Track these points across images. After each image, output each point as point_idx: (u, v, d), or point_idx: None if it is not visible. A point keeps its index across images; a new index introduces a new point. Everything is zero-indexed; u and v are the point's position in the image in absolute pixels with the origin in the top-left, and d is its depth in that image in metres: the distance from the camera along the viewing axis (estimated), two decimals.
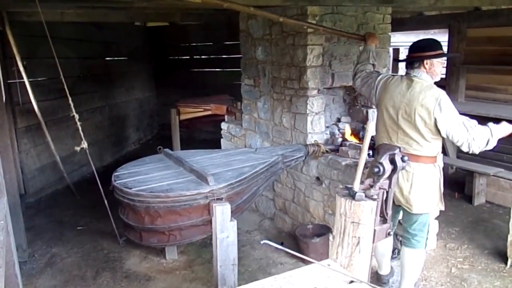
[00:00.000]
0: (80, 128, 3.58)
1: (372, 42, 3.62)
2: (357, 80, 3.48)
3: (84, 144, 3.63)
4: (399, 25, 5.75)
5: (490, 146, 2.89)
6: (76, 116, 3.59)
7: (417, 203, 3.02)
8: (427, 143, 2.94)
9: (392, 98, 3.06)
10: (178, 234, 3.32)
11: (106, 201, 4.04)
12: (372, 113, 4.16)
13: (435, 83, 3.05)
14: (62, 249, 4.37)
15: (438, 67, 3.03)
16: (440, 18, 6.51)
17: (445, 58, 3.09)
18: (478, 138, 2.85)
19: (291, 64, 4.19)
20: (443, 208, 3.24)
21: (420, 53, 3.02)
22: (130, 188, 3.25)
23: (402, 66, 6.28)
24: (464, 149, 2.91)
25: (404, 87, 3.02)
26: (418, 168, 2.96)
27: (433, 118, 2.86)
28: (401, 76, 3.17)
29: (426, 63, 2.98)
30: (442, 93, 2.90)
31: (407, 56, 3.20)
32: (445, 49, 6.30)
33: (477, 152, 2.92)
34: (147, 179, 3.43)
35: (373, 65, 3.52)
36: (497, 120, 5.44)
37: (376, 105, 3.28)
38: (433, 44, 3.05)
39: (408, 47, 3.19)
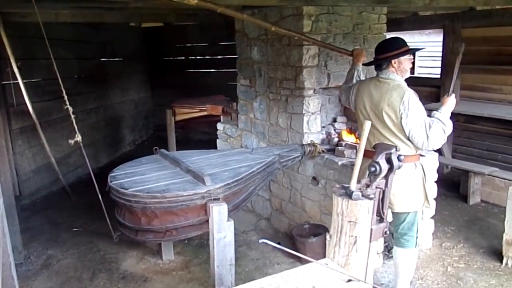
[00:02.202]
0: (74, 121, 3.54)
1: (358, 61, 3.61)
2: (342, 96, 3.59)
3: (78, 137, 3.58)
4: (394, 25, 5.77)
5: (448, 133, 2.98)
6: (70, 109, 3.55)
7: (399, 202, 3.06)
8: (402, 142, 2.98)
9: (363, 101, 3.14)
10: (174, 231, 3.32)
11: (102, 202, 4.02)
12: None
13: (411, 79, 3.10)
14: (58, 251, 4.35)
15: (406, 64, 3.07)
16: (434, 18, 6.55)
17: (413, 54, 3.14)
18: (434, 137, 2.92)
19: (287, 64, 4.19)
20: (430, 207, 3.29)
21: (386, 53, 3.06)
22: (127, 189, 3.24)
23: None
24: (422, 148, 3.01)
25: (372, 89, 3.09)
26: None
27: (399, 117, 2.92)
28: (371, 78, 3.25)
29: (394, 63, 3.04)
30: (408, 92, 2.95)
31: (374, 58, 3.22)
32: (439, 48, 6.41)
33: (435, 148, 3.08)
34: (143, 179, 3.42)
35: None
36: (490, 120, 5.50)
37: (354, 109, 3.35)
38: (397, 43, 3.09)
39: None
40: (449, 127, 2.96)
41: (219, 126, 5.65)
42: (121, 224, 3.49)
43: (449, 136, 3.12)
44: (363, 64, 3.58)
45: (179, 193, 3.14)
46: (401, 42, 3.09)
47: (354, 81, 3.53)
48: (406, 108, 2.90)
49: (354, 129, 4.36)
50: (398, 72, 3.06)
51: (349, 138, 4.18)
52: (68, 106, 3.52)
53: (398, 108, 2.91)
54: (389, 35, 4.13)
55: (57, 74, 3.46)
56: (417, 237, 3.20)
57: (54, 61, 3.55)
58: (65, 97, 3.48)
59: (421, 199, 3.11)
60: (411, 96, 2.93)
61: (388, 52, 3.05)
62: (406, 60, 3.06)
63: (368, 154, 2.65)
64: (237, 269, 3.47)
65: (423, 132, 2.90)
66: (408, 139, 2.98)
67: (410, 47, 3.10)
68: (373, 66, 3.28)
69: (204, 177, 3.22)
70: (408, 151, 3.00)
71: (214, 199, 3.16)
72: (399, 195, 3.03)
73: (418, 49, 3.16)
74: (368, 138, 3.03)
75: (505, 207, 3.82)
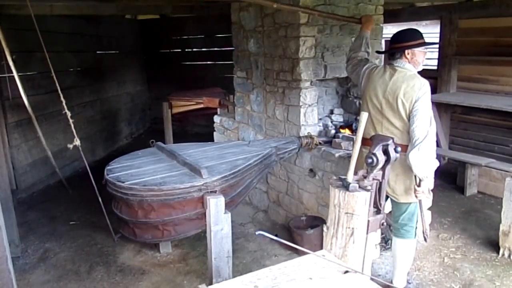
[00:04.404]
0: (72, 126, 3.53)
1: (367, 28, 3.57)
2: (348, 66, 3.54)
3: (77, 142, 3.58)
4: (391, 16, 5.76)
5: (432, 167, 2.86)
6: (68, 114, 3.54)
7: (403, 193, 3.04)
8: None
9: (375, 89, 3.08)
10: (172, 229, 3.31)
11: (99, 195, 4.01)
12: None
13: (419, 73, 3.06)
14: (55, 244, 4.34)
15: (420, 56, 3.03)
16: (431, 9, 6.52)
17: (428, 47, 3.10)
18: (431, 142, 2.81)
19: (284, 56, 4.17)
20: (430, 197, 3.27)
21: (400, 43, 3.03)
22: (123, 182, 3.23)
23: None
24: (415, 143, 2.82)
25: (387, 77, 3.03)
26: (403, 158, 2.92)
27: (413, 105, 2.87)
28: (384, 66, 3.18)
29: (408, 53, 3.00)
30: (426, 84, 2.91)
31: (389, 47, 3.20)
32: (436, 40, 6.40)
33: (422, 159, 2.81)
34: (140, 172, 3.41)
35: (367, 52, 3.51)
36: (487, 111, 5.50)
37: (361, 95, 3.31)
38: (414, 34, 3.05)
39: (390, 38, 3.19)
40: (434, 163, 2.86)
41: (216, 118, 5.63)
42: (119, 218, 3.49)
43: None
44: (377, 52, 3.54)
45: (176, 186, 3.14)
46: (417, 34, 3.05)
47: (363, 48, 3.48)
48: (421, 100, 2.84)
49: (351, 122, 4.35)
50: (411, 63, 3.01)
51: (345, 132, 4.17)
52: (67, 111, 3.50)
53: (415, 95, 2.86)
54: (386, 27, 4.12)
55: (51, 68, 3.43)
56: (416, 228, 3.20)
57: (49, 54, 3.53)
58: (63, 102, 3.47)
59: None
60: (428, 89, 2.89)
61: (402, 42, 3.02)
62: (420, 52, 3.02)
63: (369, 143, 2.64)
64: (234, 261, 3.48)
65: (426, 127, 2.82)
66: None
67: (426, 41, 3.05)
68: (371, 45, 3.25)
69: (201, 170, 3.21)
70: None
71: (211, 192, 3.15)
72: (404, 185, 3.02)
73: (433, 43, 3.11)
74: (375, 128, 3.03)
75: (501, 198, 3.83)
